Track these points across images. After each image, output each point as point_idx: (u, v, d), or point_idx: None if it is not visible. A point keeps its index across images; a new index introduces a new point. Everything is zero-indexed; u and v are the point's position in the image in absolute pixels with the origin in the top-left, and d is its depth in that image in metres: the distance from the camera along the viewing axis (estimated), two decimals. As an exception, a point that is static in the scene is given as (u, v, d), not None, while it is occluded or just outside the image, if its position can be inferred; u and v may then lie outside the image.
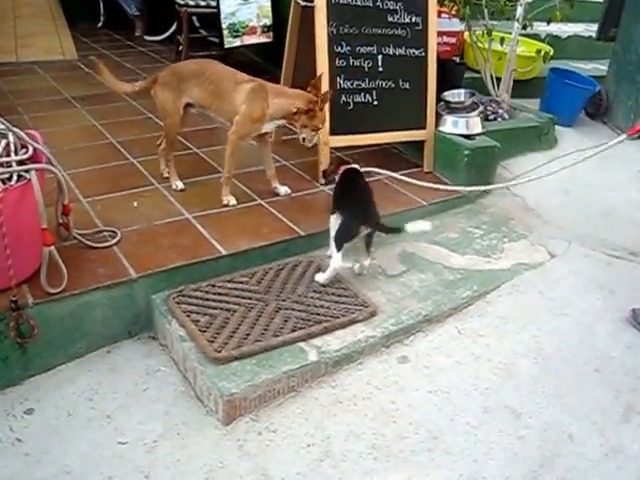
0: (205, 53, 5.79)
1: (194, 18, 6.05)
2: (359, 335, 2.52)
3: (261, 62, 5.89)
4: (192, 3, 5.61)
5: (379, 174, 3.44)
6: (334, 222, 2.74)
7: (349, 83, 3.40)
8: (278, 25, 5.37)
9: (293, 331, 2.46)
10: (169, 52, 6.32)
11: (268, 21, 5.35)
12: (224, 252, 2.76)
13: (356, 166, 2.90)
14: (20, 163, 2.40)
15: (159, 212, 3.04)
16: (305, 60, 3.55)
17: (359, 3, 3.36)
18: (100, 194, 3.16)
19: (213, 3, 5.51)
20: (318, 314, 2.56)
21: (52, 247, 2.37)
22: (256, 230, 2.94)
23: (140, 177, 3.39)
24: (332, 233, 2.74)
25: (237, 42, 5.33)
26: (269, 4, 5.31)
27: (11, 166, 2.36)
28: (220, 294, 2.64)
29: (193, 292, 2.64)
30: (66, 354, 2.51)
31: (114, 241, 2.76)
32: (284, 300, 2.63)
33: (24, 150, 2.45)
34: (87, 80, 5.32)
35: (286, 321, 2.51)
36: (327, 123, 3.34)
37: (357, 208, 2.71)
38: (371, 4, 3.36)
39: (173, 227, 2.93)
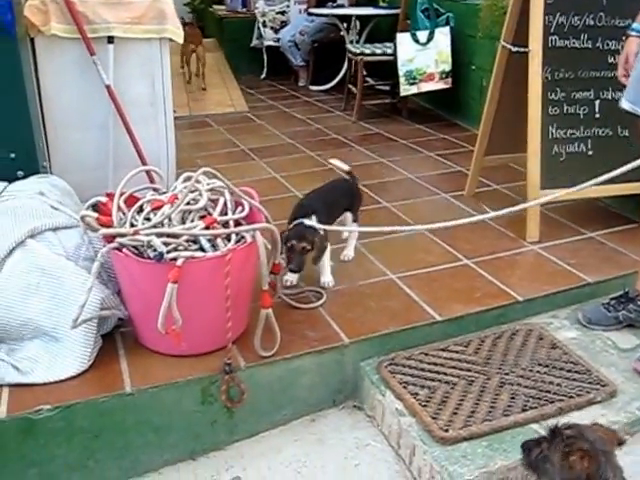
0: (378, 102, 5.76)
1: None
2: (599, 419, 2.17)
3: (434, 109, 5.74)
4: (368, 51, 5.55)
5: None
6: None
7: (562, 132, 3.13)
8: (456, 70, 5.21)
9: (524, 410, 2.18)
10: (335, 101, 6.31)
11: (447, 67, 5.18)
12: (438, 318, 2.55)
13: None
14: (236, 222, 2.33)
15: (361, 271, 2.88)
16: (507, 108, 3.33)
17: (577, 45, 3.10)
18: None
19: (389, 51, 5.43)
20: (549, 392, 2.27)
21: (269, 309, 2.26)
22: (468, 294, 2.70)
23: (335, 233, 3.25)
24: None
25: (414, 89, 5.20)
26: (449, 49, 5.15)
27: (229, 224, 2.29)
28: (435, 364, 2.42)
29: (406, 361, 2.44)
30: (271, 421, 2.38)
31: (320, 302, 2.63)
32: (507, 374, 2.36)
33: (240, 208, 2.38)
34: (260, 132, 5.36)
35: (513, 398, 2.24)
36: (536, 177, 3.09)
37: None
38: (590, 45, 3.09)
39: (378, 288, 2.75)
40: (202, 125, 5.66)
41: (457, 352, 2.49)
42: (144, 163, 3.18)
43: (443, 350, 2.50)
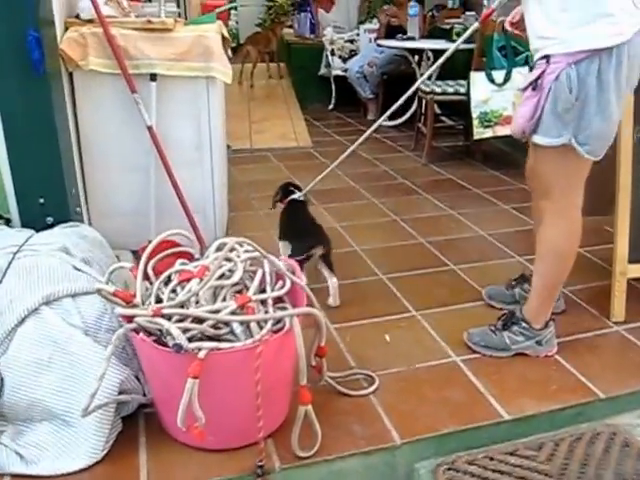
0: (450, 143, 5.41)
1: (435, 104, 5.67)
2: None
3: (512, 152, 5.32)
4: (438, 90, 5.22)
5: None
6: (283, 249, 2.95)
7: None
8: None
9: None
10: (406, 139, 5.99)
11: (526, 110, 4.78)
12: (506, 416, 2.18)
13: (300, 198, 3.17)
14: (277, 299, 2.04)
15: (419, 350, 2.54)
16: (596, 165, 2.96)
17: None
18: (349, 320, 2.74)
19: (462, 90, 5.10)
20: (639, 520, 1.90)
21: (309, 406, 1.95)
22: (541, 386, 2.33)
23: (392, 301, 2.92)
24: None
25: (489, 133, 4.80)
26: (528, 91, 4.75)
27: (267, 302, 2.00)
28: (502, 472, 2.05)
29: (468, 466, 2.09)
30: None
31: (371, 389, 2.29)
32: (587, 491, 2.00)
33: (280, 282, 2.09)
34: (322, 171, 5.05)
35: (595, 527, 1.88)
36: (624, 250, 2.70)
37: (307, 233, 2.93)
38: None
39: (438, 373, 2.41)
40: (262, 160, 5.44)
41: (527, 457, 2.13)
42: (186, 211, 2.95)
43: (511, 454, 2.14)
